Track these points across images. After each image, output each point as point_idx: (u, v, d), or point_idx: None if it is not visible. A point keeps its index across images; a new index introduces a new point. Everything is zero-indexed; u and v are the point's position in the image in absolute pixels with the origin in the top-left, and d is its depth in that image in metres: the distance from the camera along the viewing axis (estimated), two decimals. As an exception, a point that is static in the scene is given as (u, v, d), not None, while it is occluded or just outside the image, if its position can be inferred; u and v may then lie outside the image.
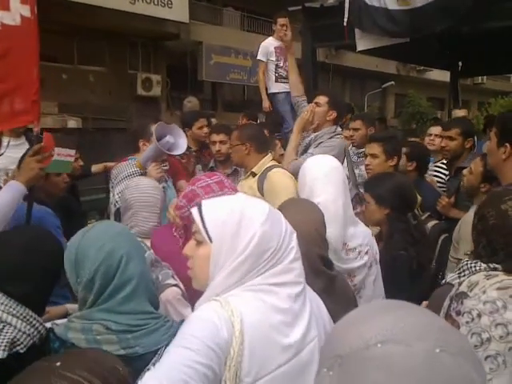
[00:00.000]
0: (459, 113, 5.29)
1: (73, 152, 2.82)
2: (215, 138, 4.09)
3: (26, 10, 2.32)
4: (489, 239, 1.63)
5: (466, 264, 1.65)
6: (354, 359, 0.68)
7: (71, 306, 2.00)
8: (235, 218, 1.30)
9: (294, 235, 1.38)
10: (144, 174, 3.33)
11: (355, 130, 4.46)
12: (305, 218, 1.76)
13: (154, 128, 3.32)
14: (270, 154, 3.49)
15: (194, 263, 1.39)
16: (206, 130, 4.51)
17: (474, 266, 1.62)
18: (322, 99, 3.78)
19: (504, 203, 1.60)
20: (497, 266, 1.57)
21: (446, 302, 1.60)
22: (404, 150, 3.64)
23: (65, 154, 2.76)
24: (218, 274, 1.31)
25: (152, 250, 2.13)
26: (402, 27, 4.52)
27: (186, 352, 1.16)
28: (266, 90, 6.10)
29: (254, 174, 3.32)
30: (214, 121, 5.52)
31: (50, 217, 2.65)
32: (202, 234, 1.33)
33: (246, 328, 1.21)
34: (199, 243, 1.36)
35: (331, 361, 0.71)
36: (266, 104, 6.02)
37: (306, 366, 1.29)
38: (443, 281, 1.72)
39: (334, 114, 3.75)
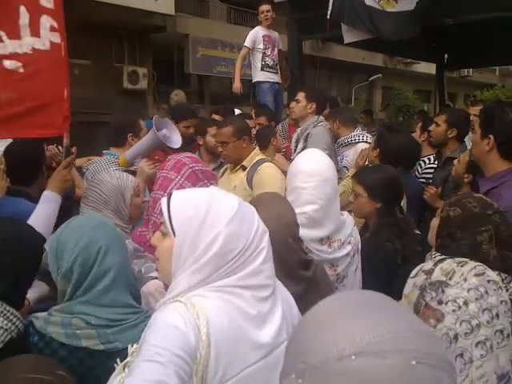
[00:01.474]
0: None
1: None
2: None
3: (55, 37, 2.63)
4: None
5: (444, 259, 1.64)
6: (326, 370, 0.64)
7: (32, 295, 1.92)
8: (200, 214, 1.25)
9: (266, 234, 1.33)
10: (128, 171, 3.22)
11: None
12: (279, 226, 1.67)
13: (154, 119, 3.18)
14: (257, 147, 3.49)
15: (159, 254, 1.36)
16: (191, 130, 4.43)
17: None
18: (300, 95, 4.21)
19: (479, 234, 1.62)
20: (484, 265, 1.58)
21: (416, 292, 1.59)
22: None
23: None
24: (180, 271, 1.26)
25: (130, 240, 2.10)
26: (381, 27, 4.58)
27: (155, 366, 1.12)
28: (250, 81, 6.15)
29: (244, 168, 3.31)
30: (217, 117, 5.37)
31: None
32: (167, 226, 1.29)
33: (211, 330, 1.18)
34: (164, 235, 1.32)
35: (301, 367, 0.67)
36: (236, 84, 6.01)
37: (275, 367, 1.23)
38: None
39: (313, 106, 4.13)
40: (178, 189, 2.17)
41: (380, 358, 0.62)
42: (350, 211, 2.59)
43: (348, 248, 2.27)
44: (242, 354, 1.22)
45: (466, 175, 2.86)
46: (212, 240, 1.23)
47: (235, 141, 3.29)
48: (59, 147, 3.83)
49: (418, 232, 2.68)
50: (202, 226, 1.24)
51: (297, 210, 2.12)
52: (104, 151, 3.44)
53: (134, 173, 3.26)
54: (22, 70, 2.52)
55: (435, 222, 1.83)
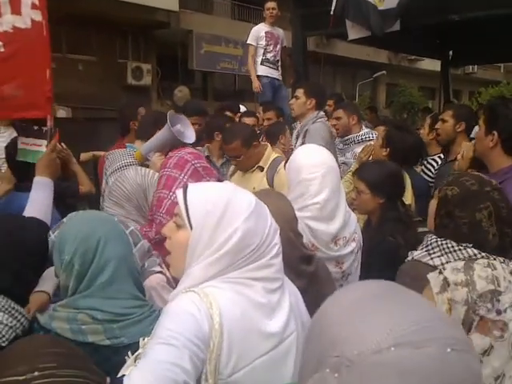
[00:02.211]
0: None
1: (40, 142, 2.77)
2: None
3: (36, 15, 2.54)
4: (458, 240, 1.63)
5: (436, 241, 1.65)
6: (365, 363, 0.64)
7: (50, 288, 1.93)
8: (219, 209, 1.26)
9: (278, 231, 1.36)
10: (143, 165, 3.23)
11: (337, 119, 4.47)
12: (280, 222, 1.62)
13: (168, 115, 3.17)
14: (267, 144, 3.47)
15: (171, 246, 1.37)
16: (197, 127, 4.42)
17: (445, 244, 1.62)
18: (299, 91, 4.18)
19: (479, 212, 1.60)
20: (468, 244, 1.58)
21: (461, 308, 1.49)
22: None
23: (30, 144, 2.76)
24: (195, 264, 1.28)
25: (146, 240, 2.11)
26: (373, 23, 4.61)
27: (170, 349, 1.14)
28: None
29: (261, 168, 3.29)
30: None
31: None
32: (183, 218, 1.30)
33: (224, 320, 1.20)
34: (179, 226, 1.33)
35: (335, 361, 0.67)
36: (255, 84, 5.98)
37: (284, 357, 1.28)
38: (409, 257, 1.71)
39: (313, 102, 4.10)
40: (182, 187, 2.17)
41: (416, 347, 0.64)
42: (353, 209, 2.58)
43: (353, 245, 2.28)
44: (253, 344, 1.24)
45: (469, 171, 2.84)
46: (230, 235, 1.25)
47: (247, 151, 3.24)
48: (62, 144, 3.85)
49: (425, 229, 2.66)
50: (221, 221, 1.26)
51: (307, 202, 2.15)
52: (127, 144, 3.47)
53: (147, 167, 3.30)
54: (2, 50, 2.48)
55: (433, 205, 1.81)
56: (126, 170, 2.36)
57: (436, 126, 3.88)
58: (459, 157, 2.97)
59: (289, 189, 2.30)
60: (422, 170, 4.08)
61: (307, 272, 1.78)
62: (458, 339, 0.66)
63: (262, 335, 1.25)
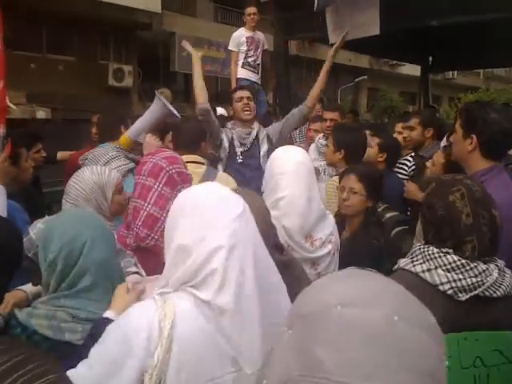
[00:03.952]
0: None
1: None
2: None
3: None
4: (437, 228, 1.67)
5: (419, 249, 1.68)
6: (313, 317, 0.69)
7: (30, 289, 1.90)
8: (175, 211, 1.31)
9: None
10: (129, 158, 3.15)
11: (332, 120, 4.46)
12: (254, 215, 1.62)
13: (156, 93, 3.24)
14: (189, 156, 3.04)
15: None
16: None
17: (427, 251, 1.65)
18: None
19: (452, 194, 1.65)
20: (449, 250, 1.61)
21: None
22: (377, 140, 3.67)
23: None
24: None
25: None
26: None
27: (106, 372, 1.14)
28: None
29: None
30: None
31: (19, 212, 2.63)
32: None
33: (177, 335, 1.14)
34: None
35: (291, 320, 0.73)
36: None
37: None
38: (395, 266, 1.74)
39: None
40: (157, 196, 2.19)
41: (363, 309, 0.67)
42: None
43: (329, 247, 2.29)
44: (212, 365, 1.17)
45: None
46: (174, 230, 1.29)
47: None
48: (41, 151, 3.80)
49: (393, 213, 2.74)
50: (176, 223, 1.29)
51: (276, 196, 2.17)
52: (100, 145, 3.43)
53: (134, 160, 3.24)
54: None
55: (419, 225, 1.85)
56: (80, 170, 2.31)
57: (404, 135, 4.07)
58: (429, 164, 3.00)
59: (265, 183, 2.34)
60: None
61: (280, 261, 1.78)
62: (408, 312, 0.68)
63: (222, 355, 1.18)
